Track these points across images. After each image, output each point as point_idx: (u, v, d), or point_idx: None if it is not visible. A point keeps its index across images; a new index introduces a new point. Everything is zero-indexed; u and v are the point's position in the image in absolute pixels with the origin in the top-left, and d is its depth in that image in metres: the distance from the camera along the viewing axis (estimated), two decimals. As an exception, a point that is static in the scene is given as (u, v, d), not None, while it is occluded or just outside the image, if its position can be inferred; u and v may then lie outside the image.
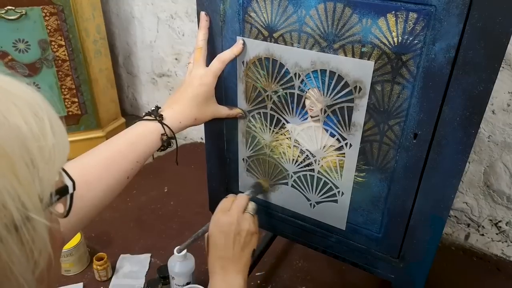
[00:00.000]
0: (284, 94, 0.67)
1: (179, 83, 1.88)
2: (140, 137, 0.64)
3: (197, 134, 1.93)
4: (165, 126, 0.65)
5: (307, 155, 0.70)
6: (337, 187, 0.70)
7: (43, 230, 0.27)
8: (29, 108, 0.27)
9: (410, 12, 0.52)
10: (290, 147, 0.72)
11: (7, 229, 0.24)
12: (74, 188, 0.32)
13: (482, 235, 1.37)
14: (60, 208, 0.32)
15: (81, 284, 1.19)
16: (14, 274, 0.26)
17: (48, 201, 0.28)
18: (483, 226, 1.36)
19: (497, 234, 1.34)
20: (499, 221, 1.32)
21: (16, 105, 0.26)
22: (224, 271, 0.66)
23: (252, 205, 0.70)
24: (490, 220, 1.34)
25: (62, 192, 0.30)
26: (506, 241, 1.34)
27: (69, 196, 0.32)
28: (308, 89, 0.65)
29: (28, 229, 0.26)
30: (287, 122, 0.70)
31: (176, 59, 1.84)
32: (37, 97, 0.29)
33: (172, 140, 0.67)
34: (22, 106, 0.27)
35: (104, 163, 0.60)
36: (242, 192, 0.83)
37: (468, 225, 1.39)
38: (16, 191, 0.24)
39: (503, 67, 1.11)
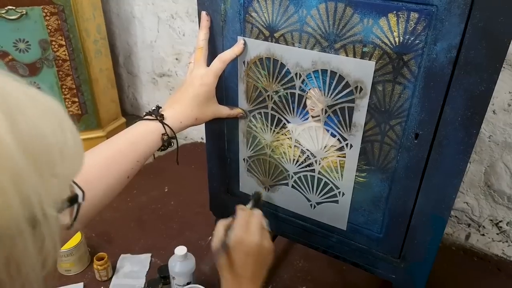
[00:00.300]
0: (285, 94, 0.67)
1: (179, 83, 1.88)
2: (141, 137, 0.64)
3: (198, 134, 1.93)
4: (165, 126, 0.65)
5: (307, 156, 0.70)
6: (337, 188, 0.70)
7: (56, 233, 0.29)
8: (55, 119, 0.30)
9: (412, 12, 0.52)
10: (291, 147, 0.71)
11: (27, 223, 0.26)
12: (83, 198, 0.33)
13: (483, 235, 1.37)
14: (65, 218, 0.33)
15: (81, 284, 1.19)
16: (26, 266, 0.27)
17: (60, 207, 0.30)
18: (483, 226, 1.36)
19: (497, 234, 1.34)
20: (500, 221, 1.32)
21: (45, 115, 0.29)
22: None
23: (266, 221, 0.68)
24: (491, 220, 1.34)
25: (72, 200, 0.32)
26: (506, 241, 1.34)
27: (77, 207, 0.33)
28: (309, 89, 0.64)
29: (44, 228, 0.27)
30: (288, 122, 0.70)
31: (176, 59, 1.84)
32: (62, 110, 0.31)
33: (172, 140, 0.67)
34: (50, 116, 0.29)
35: (104, 162, 0.60)
36: (242, 192, 0.83)
37: (469, 225, 1.39)
38: (38, 188, 0.26)
39: (504, 67, 1.11)
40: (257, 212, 0.68)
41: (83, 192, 0.33)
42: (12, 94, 0.27)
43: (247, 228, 0.64)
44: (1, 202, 0.24)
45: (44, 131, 0.28)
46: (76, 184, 0.33)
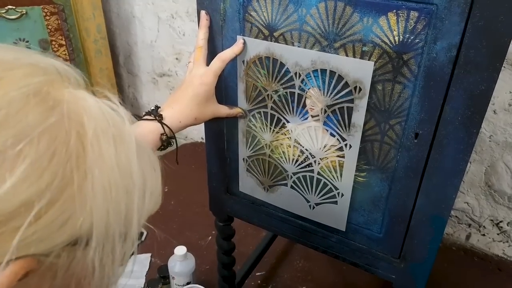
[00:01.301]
0: (284, 93, 0.67)
1: (179, 83, 1.88)
2: (140, 137, 0.64)
3: (198, 134, 1.93)
4: (164, 126, 0.65)
5: (307, 156, 0.70)
6: (336, 189, 0.70)
7: (129, 254, 0.35)
8: (150, 163, 0.36)
9: (412, 11, 0.51)
10: (290, 147, 0.71)
11: (120, 236, 0.31)
12: (144, 238, 0.38)
13: (483, 235, 1.37)
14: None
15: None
16: (108, 269, 0.32)
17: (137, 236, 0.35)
18: (484, 226, 1.36)
19: (498, 234, 1.34)
20: (500, 221, 1.32)
21: (147, 160, 0.35)
22: None
23: None
24: (491, 220, 1.33)
25: (140, 236, 0.36)
26: (507, 241, 1.34)
27: (137, 245, 0.37)
28: (309, 89, 0.64)
29: (128, 246, 0.33)
30: (288, 121, 0.69)
31: (176, 58, 1.84)
32: (155, 156, 0.38)
33: (172, 140, 0.67)
34: (148, 162, 0.35)
35: None
36: (241, 192, 0.83)
37: (469, 225, 1.39)
38: (135, 212, 0.32)
39: (504, 67, 1.11)
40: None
41: (147, 233, 0.39)
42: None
43: None
44: (117, 211, 0.30)
45: (147, 171, 0.34)
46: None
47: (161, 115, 0.65)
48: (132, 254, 0.37)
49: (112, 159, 0.30)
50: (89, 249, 0.30)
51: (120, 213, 0.30)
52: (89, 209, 0.29)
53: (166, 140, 0.65)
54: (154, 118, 0.65)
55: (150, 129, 0.64)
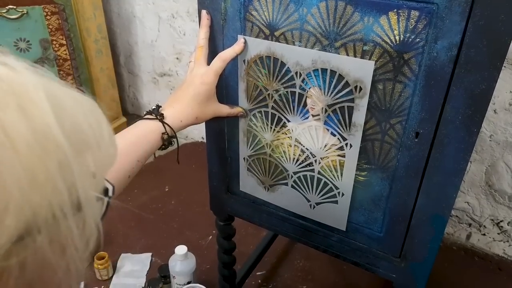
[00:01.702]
0: (285, 92, 0.67)
1: (180, 83, 1.88)
2: (141, 136, 0.64)
3: (198, 133, 1.93)
4: (165, 125, 0.65)
5: (307, 155, 0.70)
6: (337, 188, 0.70)
7: (98, 215, 0.31)
8: (92, 114, 0.32)
9: (412, 10, 0.51)
10: (290, 146, 0.71)
11: (72, 207, 0.28)
12: (113, 192, 0.35)
13: (484, 235, 1.37)
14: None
15: (82, 283, 1.19)
16: (70, 247, 0.29)
17: (100, 195, 0.32)
18: (484, 226, 1.36)
19: (498, 234, 1.34)
20: (501, 221, 1.32)
21: (84, 111, 0.31)
22: None
23: None
24: (492, 220, 1.33)
25: (105, 193, 0.33)
26: (507, 241, 1.34)
27: (107, 201, 0.35)
28: (309, 88, 0.64)
29: (87, 211, 0.29)
30: (288, 121, 0.69)
31: (177, 58, 1.84)
32: (97, 106, 0.34)
33: (173, 139, 0.67)
34: (88, 112, 0.31)
35: None
36: (242, 191, 0.83)
37: (470, 225, 1.39)
38: (82, 176, 0.28)
39: (504, 66, 1.11)
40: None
41: (113, 187, 0.35)
42: (57, 91, 0.30)
43: None
44: (49, 188, 0.26)
45: (84, 124, 0.30)
46: (107, 180, 0.35)
47: (162, 114, 0.65)
48: (104, 215, 0.34)
49: (24, 135, 0.25)
50: (39, 238, 0.26)
51: (58, 188, 0.26)
52: (19, 199, 0.25)
53: (167, 140, 0.66)
54: (155, 117, 0.65)
55: (151, 129, 0.64)
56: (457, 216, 1.40)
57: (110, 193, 0.34)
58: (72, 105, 0.30)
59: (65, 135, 0.28)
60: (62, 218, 0.27)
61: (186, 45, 1.78)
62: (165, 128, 0.65)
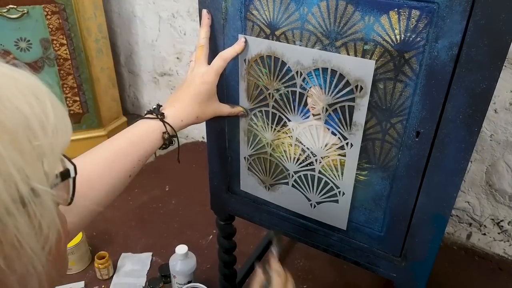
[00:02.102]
0: (286, 92, 0.67)
1: (180, 82, 1.88)
2: (142, 136, 0.64)
3: (199, 133, 1.93)
4: (166, 124, 0.65)
5: (308, 154, 0.70)
6: (338, 187, 0.70)
7: (51, 206, 0.28)
8: (31, 92, 0.28)
9: (413, 10, 0.51)
10: (291, 146, 0.71)
11: (14, 202, 0.25)
12: (75, 172, 0.32)
13: (484, 234, 1.37)
14: (62, 194, 0.32)
15: (82, 283, 1.19)
16: (23, 247, 0.26)
17: (53, 181, 0.29)
18: (485, 226, 1.36)
19: (499, 233, 1.34)
20: (501, 221, 1.32)
21: (19, 89, 0.28)
22: None
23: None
24: (492, 219, 1.33)
25: (64, 175, 0.31)
26: (508, 241, 1.34)
27: (72, 181, 0.32)
28: (310, 87, 0.64)
29: (35, 203, 0.26)
30: (289, 120, 0.70)
31: (177, 58, 1.84)
32: (38, 82, 0.30)
33: (173, 139, 0.67)
34: (24, 90, 0.28)
35: (106, 162, 0.60)
36: (242, 191, 0.83)
37: (470, 224, 1.39)
38: (21, 164, 0.25)
39: (505, 66, 1.11)
40: (290, 279, 0.67)
41: (74, 165, 0.32)
42: None
43: None
44: None
45: (18, 103, 0.27)
46: (67, 158, 0.32)
47: (163, 113, 0.65)
48: (73, 197, 0.32)
49: None
50: None
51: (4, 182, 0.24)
52: None
53: (168, 139, 0.66)
54: (156, 116, 0.65)
55: (152, 128, 0.64)
56: (457, 215, 1.40)
57: (72, 173, 0.32)
58: (4, 84, 0.27)
59: None
60: (6, 215, 0.25)
61: (186, 45, 1.78)
62: (165, 127, 0.65)
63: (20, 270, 0.27)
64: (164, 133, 0.65)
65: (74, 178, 0.32)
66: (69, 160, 0.32)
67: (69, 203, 0.33)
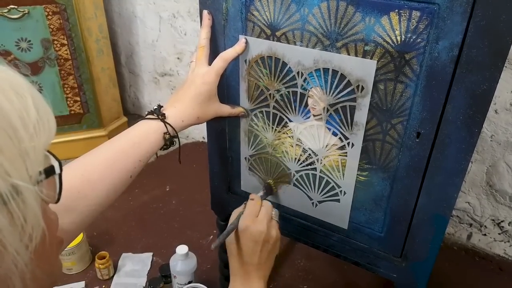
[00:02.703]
0: (286, 92, 0.67)
1: (181, 83, 1.88)
2: (143, 136, 0.64)
3: (199, 133, 1.93)
4: (167, 125, 0.65)
5: (309, 154, 0.70)
6: (339, 187, 0.70)
7: (34, 205, 0.27)
8: (10, 87, 0.28)
9: (414, 11, 0.51)
10: (292, 146, 0.72)
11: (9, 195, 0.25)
12: (60, 169, 0.31)
13: (485, 235, 1.37)
14: (48, 191, 0.31)
15: (83, 283, 1.19)
16: (5, 246, 0.26)
17: (36, 178, 0.28)
18: (485, 226, 1.36)
19: (499, 234, 1.34)
20: (502, 221, 1.32)
21: None
22: (247, 276, 0.66)
23: (276, 211, 0.70)
24: (493, 220, 1.33)
25: (49, 171, 0.30)
26: (508, 241, 1.34)
27: (58, 178, 0.32)
28: (311, 88, 0.64)
29: (17, 202, 0.26)
30: (290, 120, 0.70)
31: (178, 58, 1.84)
32: (18, 77, 0.29)
33: (174, 139, 0.67)
34: (3, 85, 0.27)
35: (107, 162, 0.60)
36: (243, 191, 0.83)
37: (471, 225, 1.39)
38: (3, 166, 0.25)
39: (506, 67, 1.11)
40: (268, 204, 0.70)
41: (59, 162, 0.31)
42: None
43: (255, 217, 0.66)
44: None
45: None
46: (52, 155, 0.31)
47: (164, 114, 0.66)
48: (59, 195, 0.31)
49: None
50: None
51: None
52: None
53: (169, 139, 0.66)
54: (157, 117, 0.65)
55: (153, 129, 0.64)
56: (457, 216, 1.40)
57: (57, 170, 0.31)
58: None
59: None
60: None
61: (187, 45, 1.78)
62: (166, 128, 0.65)
63: (2, 269, 0.26)
64: (165, 133, 0.65)
65: (60, 175, 0.32)
66: (54, 156, 0.32)
67: (57, 201, 0.33)
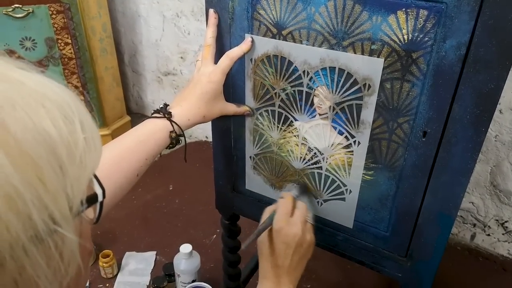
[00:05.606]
0: (292, 91, 0.67)
1: (184, 82, 1.89)
2: (149, 135, 0.64)
3: (202, 132, 1.93)
4: (173, 124, 0.65)
5: (314, 153, 0.70)
6: (344, 185, 0.70)
7: (72, 242, 0.26)
8: (58, 110, 0.25)
9: (421, 9, 0.51)
10: (297, 145, 0.72)
11: (32, 242, 0.23)
12: (104, 196, 0.30)
13: (488, 235, 1.37)
14: (90, 213, 0.30)
15: (87, 281, 1.19)
16: (38, 286, 0.24)
17: (78, 209, 0.26)
18: (489, 226, 1.35)
19: (503, 234, 1.34)
20: (506, 221, 1.32)
21: (45, 107, 0.24)
22: (277, 280, 0.63)
23: (311, 214, 0.68)
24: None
25: (92, 200, 0.29)
26: (512, 241, 1.33)
27: (99, 204, 0.30)
28: (317, 87, 0.64)
29: (55, 241, 0.24)
30: (295, 119, 0.70)
31: (181, 57, 1.85)
32: (68, 97, 0.27)
33: (180, 138, 0.68)
34: (51, 108, 0.25)
35: (113, 161, 0.60)
36: (248, 190, 0.83)
37: (474, 225, 1.38)
38: (43, 201, 0.23)
39: (511, 66, 1.11)
40: (303, 205, 0.67)
41: (103, 189, 0.30)
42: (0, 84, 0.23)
43: (289, 217, 0.64)
44: None
45: (42, 126, 0.23)
46: (97, 179, 0.30)
47: (170, 112, 0.66)
48: (98, 219, 0.30)
49: None
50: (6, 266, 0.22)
51: (8, 227, 0.22)
52: None
53: (175, 138, 0.66)
54: (163, 116, 0.65)
55: (159, 127, 0.64)
56: (461, 216, 1.40)
57: (100, 198, 0.29)
58: (24, 100, 0.23)
59: (9, 154, 0.21)
60: (23, 255, 0.22)
61: (190, 44, 1.78)
62: (173, 126, 0.65)
63: None
64: (171, 132, 0.65)
65: (102, 203, 0.30)
66: (99, 181, 0.30)
67: (95, 223, 0.31)
